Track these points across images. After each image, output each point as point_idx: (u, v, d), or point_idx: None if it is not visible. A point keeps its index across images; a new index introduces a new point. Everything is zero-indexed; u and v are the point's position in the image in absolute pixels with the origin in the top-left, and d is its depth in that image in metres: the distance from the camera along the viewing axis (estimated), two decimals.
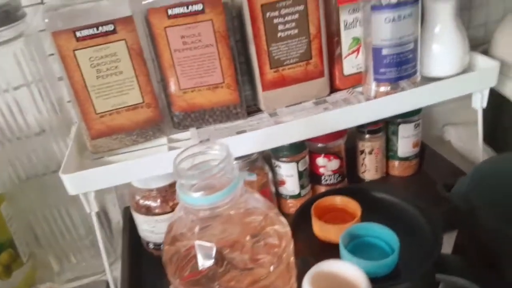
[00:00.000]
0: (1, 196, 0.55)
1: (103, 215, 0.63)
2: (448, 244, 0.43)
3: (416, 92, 0.49)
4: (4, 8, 0.46)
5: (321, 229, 0.38)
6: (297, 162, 0.57)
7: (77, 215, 0.58)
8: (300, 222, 0.40)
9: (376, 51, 0.47)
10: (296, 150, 0.56)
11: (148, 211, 0.55)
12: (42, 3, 0.56)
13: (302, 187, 0.59)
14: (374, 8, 0.44)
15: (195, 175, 0.27)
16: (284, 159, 0.57)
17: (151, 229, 0.56)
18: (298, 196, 0.60)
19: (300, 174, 0.58)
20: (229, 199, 0.28)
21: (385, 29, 0.45)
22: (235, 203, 0.28)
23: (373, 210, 0.39)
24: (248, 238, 0.30)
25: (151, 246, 0.58)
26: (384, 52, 0.46)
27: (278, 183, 0.60)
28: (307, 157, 0.58)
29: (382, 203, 0.42)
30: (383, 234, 0.35)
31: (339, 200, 0.39)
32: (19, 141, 0.51)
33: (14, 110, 0.50)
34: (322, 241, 0.39)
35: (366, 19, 0.46)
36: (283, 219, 0.32)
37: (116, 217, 0.69)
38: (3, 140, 0.50)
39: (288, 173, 0.58)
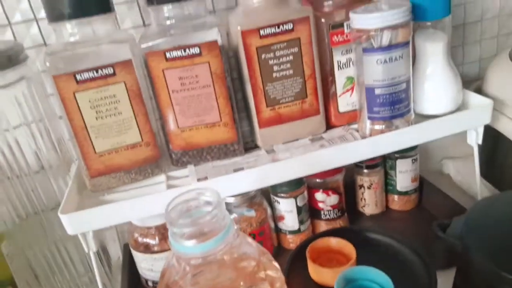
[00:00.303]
0: (1, 235, 0.55)
1: (103, 251, 0.63)
2: (447, 283, 0.42)
3: (411, 130, 0.49)
4: (8, 52, 0.48)
5: (316, 272, 0.38)
6: (296, 197, 0.57)
7: (75, 251, 0.58)
8: (296, 264, 0.40)
9: (369, 91, 0.48)
10: (294, 186, 0.57)
11: (146, 249, 0.55)
12: (44, 44, 0.58)
13: (301, 222, 0.59)
14: (366, 50, 0.45)
15: (186, 223, 0.28)
16: (282, 194, 0.58)
17: (149, 267, 0.56)
18: (297, 231, 0.59)
19: (299, 210, 0.58)
20: (221, 246, 0.28)
21: (377, 70, 0.46)
22: (228, 249, 0.29)
23: (368, 252, 0.39)
24: (241, 284, 0.30)
25: (150, 284, 0.58)
26: (377, 92, 0.47)
27: (277, 218, 0.60)
28: (305, 193, 0.59)
29: (377, 244, 0.42)
30: (378, 278, 0.35)
31: (334, 242, 0.39)
32: (19, 179, 0.52)
33: (14, 148, 0.51)
34: (318, 284, 0.38)
35: (358, 60, 0.48)
36: (276, 264, 0.32)
37: (116, 253, 0.69)
38: (3, 178, 0.51)
39: (287, 209, 0.58)
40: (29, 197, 0.53)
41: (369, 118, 0.49)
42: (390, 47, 0.44)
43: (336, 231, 0.44)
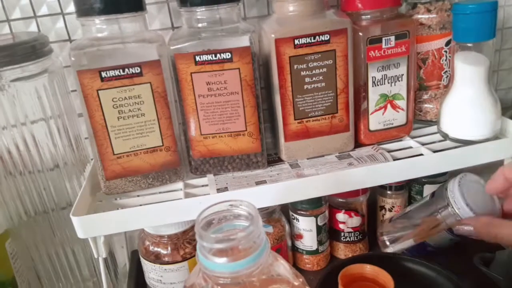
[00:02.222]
0: (6, 233, 0.53)
1: (110, 257, 0.60)
2: None
3: (446, 155, 0.47)
4: (32, 43, 0.46)
5: None
6: (316, 216, 0.55)
7: (81, 254, 0.56)
8: None
9: None
10: (316, 203, 0.54)
11: (157, 258, 0.53)
12: (70, 40, 0.56)
13: (320, 243, 0.56)
14: None
15: (218, 239, 0.25)
16: (302, 212, 0.55)
17: (158, 278, 0.53)
18: (315, 252, 0.57)
19: (319, 229, 0.56)
20: (254, 267, 0.26)
21: None
22: (260, 270, 0.26)
23: (405, 282, 0.36)
24: None
25: None
26: None
27: (294, 236, 0.57)
28: (327, 212, 0.56)
29: (414, 274, 0.39)
30: None
31: (369, 270, 0.37)
32: (31, 175, 0.50)
33: (29, 143, 0.49)
34: None
35: None
36: None
37: (123, 260, 0.66)
38: (15, 173, 0.49)
39: (306, 227, 0.55)
40: (40, 194, 0.51)
41: None
42: None
43: (368, 257, 0.42)
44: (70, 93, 0.53)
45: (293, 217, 0.56)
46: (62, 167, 0.51)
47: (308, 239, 0.56)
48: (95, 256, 0.46)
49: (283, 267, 0.29)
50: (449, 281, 0.38)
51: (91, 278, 0.57)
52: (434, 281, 0.39)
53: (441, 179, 0.58)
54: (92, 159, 0.53)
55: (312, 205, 0.54)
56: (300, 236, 0.57)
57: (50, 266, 0.54)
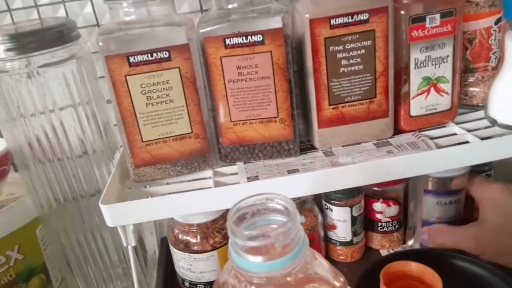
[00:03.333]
0: (36, 220, 0.53)
1: (139, 243, 0.60)
2: None
3: (494, 143, 0.44)
4: (59, 28, 0.45)
5: None
6: (352, 206, 0.52)
7: (111, 241, 0.56)
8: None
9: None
10: (351, 193, 0.52)
11: (186, 246, 0.52)
12: (98, 25, 0.55)
13: (354, 234, 0.54)
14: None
15: (253, 236, 0.23)
16: (336, 202, 0.53)
17: (188, 266, 0.53)
18: (349, 243, 0.54)
19: (354, 220, 0.53)
20: (292, 267, 0.24)
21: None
22: (298, 270, 0.24)
23: (453, 282, 0.33)
24: None
25: (187, 284, 0.54)
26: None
27: (328, 227, 0.55)
28: (362, 202, 0.54)
29: (464, 273, 0.36)
30: None
31: (414, 268, 0.34)
32: (60, 163, 0.49)
33: (58, 130, 0.48)
34: None
35: None
36: None
37: (153, 246, 0.66)
38: (44, 160, 0.49)
39: (340, 218, 0.53)
40: (69, 181, 0.50)
41: None
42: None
43: (413, 253, 0.39)
44: (98, 79, 0.52)
45: (326, 207, 0.54)
46: (91, 154, 0.50)
47: (342, 230, 0.54)
48: (124, 244, 0.46)
49: (322, 266, 0.27)
50: (505, 282, 0.35)
51: (120, 264, 0.57)
52: (487, 282, 0.36)
53: (486, 168, 0.54)
54: (121, 146, 0.52)
55: (347, 195, 0.52)
56: (333, 227, 0.54)
57: (79, 252, 0.54)
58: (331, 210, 0.53)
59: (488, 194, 0.48)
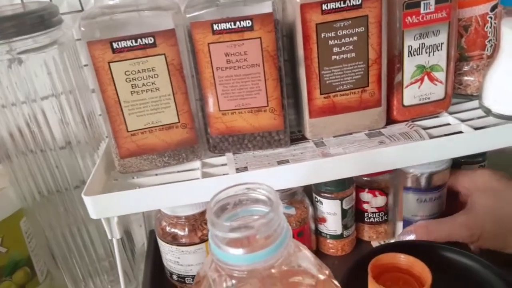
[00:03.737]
0: (20, 212, 0.52)
1: (127, 236, 0.59)
2: None
3: (488, 133, 0.42)
4: (40, 12, 0.43)
5: None
6: (342, 199, 0.51)
7: (96, 234, 0.54)
8: (353, 281, 0.33)
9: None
10: (341, 186, 0.51)
11: (174, 239, 0.51)
12: (82, 11, 0.53)
13: (345, 227, 0.53)
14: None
15: (233, 227, 0.22)
16: (327, 194, 0.52)
17: (176, 259, 0.51)
18: (340, 237, 0.53)
19: (344, 213, 0.52)
20: (274, 259, 0.22)
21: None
22: (281, 262, 0.23)
23: (443, 275, 0.32)
24: None
25: (175, 277, 0.53)
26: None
27: (318, 220, 0.54)
28: (353, 194, 0.52)
29: (454, 266, 0.35)
30: None
31: (403, 260, 0.33)
32: (43, 154, 0.48)
33: (40, 120, 0.46)
34: None
35: None
36: (336, 283, 0.26)
37: (141, 238, 0.65)
38: (26, 152, 0.47)
39: (331, 211, 0.52)
40: (53, 173, 0.49)
41: None
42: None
43: (402, 245, 0.38)
44: (82, 67, 0.51)
45: (316, 200, 0.53)
46: (74, 145, 0.49)
47: (332, 223, 0.53)
48: (109, 237, 0.45)
49: (307, 258, 0.25)
50: (496, 275, 0.34)
51: (107, 258, 0.56)
52: (477, 275, 0.35)
53: (480, 159, 0.53)
54: (106, 137, 0.51)
55: (337, 187, 0.51)
56: (323, 220, 0.53)
57: (64, 246, 0.53)
58: (321, 203, 0.52)
59: (477, 180, 0.48)
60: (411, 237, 0.45)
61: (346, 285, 0.33)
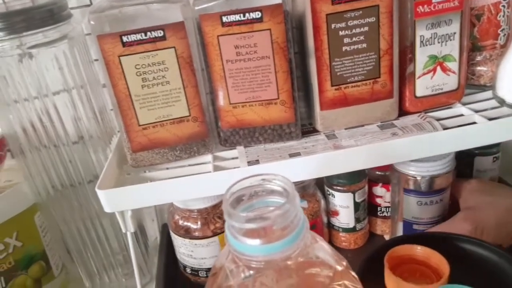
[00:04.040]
0: (34, 206, 0.53)
1: (140, 230, 0.59)
2: None
3: (503, 124, 0.42)
4: (49, 7, 0.44)
5: (398, 287, 0.31)
6: (354, 192, 0.51)
7: (110, 228, 0.55)
8: (368, 272, 0.33)
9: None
10: (354, 178, 0.50)
11: (187, 232, 0.51)
12: (91, 5, 0.53)
13: (357, 220, 0.53)
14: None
15: (250, 218, 0.22)
16: (339, 187, 0.51)
17: (189, 253, 0.52)
18: (352, 230, 0.53)
19: (357, 206, 0.52)
20: (291, 250, 0.22)
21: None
22: (298, 253, 0.23)
23: (461, 267, 0.32)
24: None
25: (188, 271, 0.53)
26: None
27: (330, 213, 0.54)
28: (366, 187, 0.52)
29: (472, 258, 0.35)
30: None
31: (420, 252, 0.33)
32: (56, 149, 0.48)
33: (52, 116, 0.47)
34: None
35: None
36: (354, 274, 0.26)
37: (154, 232, 0.65)
38: (39, 147, 0.48)
39: (343, 204, 0.52)
40: (66, 168, 0.49)
41: None
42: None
43: (418, 237, 0.38)
44: (93, 62, 0.51)
45: (328, 193, 0.53)
46: (87, 140, 0.49)
47: (345, 216, 0.53)
48: (123, 231, 0.45)
49: (323, 249, 0.25)
50: (511, 264, 0.34)
51: (121, 251, 0.56)
52: (495, 266, 0.34)
53: (494, 150, 0.53)
54: (118, 131, 0.51)
55: (350, 180, 0.50)
56: (336, 213, 0.53)
57: (79, 240, 0.53)
58: (333, 195, 0.52)
59: (470, 185, 0.48)
60: None
61: (361, 277, 0.33)
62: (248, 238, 0.22)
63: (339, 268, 0.25)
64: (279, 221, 0.22)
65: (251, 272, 0.23)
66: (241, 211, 0.24)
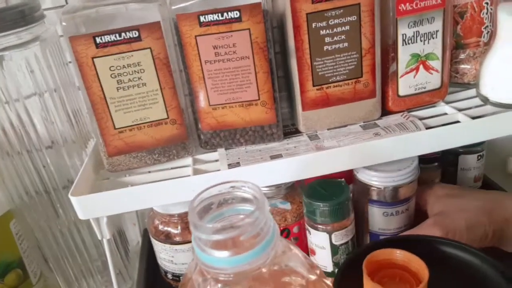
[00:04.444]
0: (9, 213, 0.51)
1: (120, 235, 0.58)
2: None
3: (486, 122, 0.41)
4: (20, 8, 0.42)
5: None
6: (331, 233, 0.49)
7: (88, 234, 0.53)
8: (346, 279, 0.32)
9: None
10: (332, 215, 0.48)
11: (167, 238, 0.50)
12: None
13: (337, 265, 0.51)
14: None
15: (217, 228, 0.21)
16: (311, 223, 0.49)
17: (170, 258, 0.50)
18: (331, 275, 0.51)
19: (335, 249, 0.50)
20: (261, 261, 0.21)
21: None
22: (269, 263, 0.22)
23: (442, 271, 0.31)
24: None
25: (169, 276, 0.52)
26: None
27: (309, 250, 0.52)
28: (350, 227, 0.50)
29: (453, 261, 0.34)
30: None
31: (399, 256, 0.32)
32: (29, 154, 0.47)
33: (24, 120, 0.45)
34: None
35: None
36: (328, 283, 0.25)
37: (135, 237, 0.64)
38: (12, 153, 0.46)
39: (318, 244, 0.49)
40: (40, 173, 0.48)
41: None
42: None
43: (397, 241, 0.37)
44: (67, 64, 0.49)
45: (306, 226, 0.51)
46: (61, 144, 0.48)
47: (321, 259, 0.49)
48: (99, 238, 0.43)
49: (297, 257, 0.24)
50: (495, 270, 0.33)
51: (100, 258, 0.55)
52: (477, 270, 0.34)
53: (478, 149, 0.52)
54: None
55: (327, 217, 0.46)
56: (312, 252, 0.51)
57: (55, 247, 0.52)
58: (309, 231, 0.47)
59: (436, 191, 0.48)
60: None
61: (340, 284, 0.32)
62: (216, 250, 0.21)
63: (312, 277, 0.24)
64: (248, 230, 0.21)
65: (219, 285, 0.22)
66: (209, 220, 0.22)
